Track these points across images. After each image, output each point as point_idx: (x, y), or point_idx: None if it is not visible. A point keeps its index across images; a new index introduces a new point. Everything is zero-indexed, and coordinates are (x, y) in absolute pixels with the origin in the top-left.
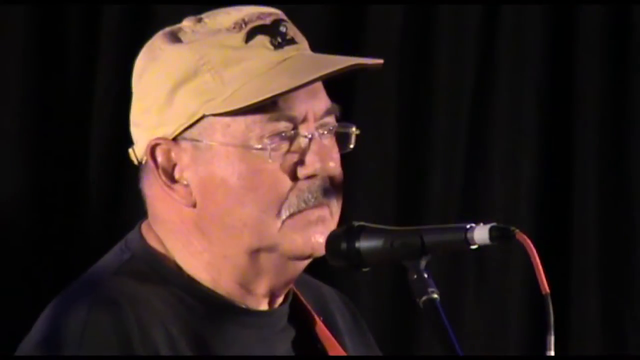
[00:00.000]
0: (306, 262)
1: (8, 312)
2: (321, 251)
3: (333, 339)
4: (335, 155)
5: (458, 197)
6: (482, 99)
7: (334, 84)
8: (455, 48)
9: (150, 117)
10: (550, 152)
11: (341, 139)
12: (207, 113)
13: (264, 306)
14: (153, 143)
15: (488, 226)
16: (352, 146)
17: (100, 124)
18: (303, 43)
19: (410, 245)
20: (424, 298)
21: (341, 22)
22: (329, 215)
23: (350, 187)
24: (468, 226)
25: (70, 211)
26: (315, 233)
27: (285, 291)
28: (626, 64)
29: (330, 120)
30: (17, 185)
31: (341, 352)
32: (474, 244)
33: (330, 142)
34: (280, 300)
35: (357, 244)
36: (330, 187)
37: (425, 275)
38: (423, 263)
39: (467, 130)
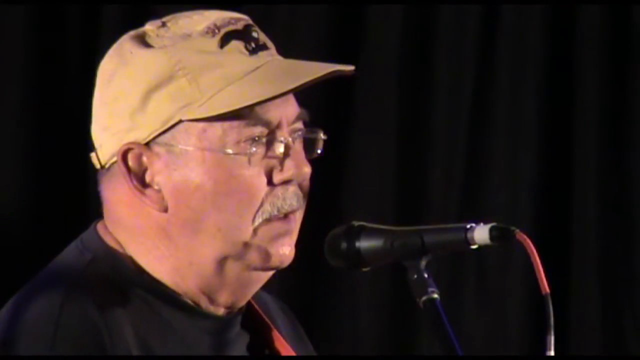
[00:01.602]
0: (270, 274)
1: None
2: (287, 262)
3: (288, 346)
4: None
5: (458, 197)
6: (482, 99)
7: (333, 84)
8: (455, 48)
9: (122, 122)
10: (550, 152)
11: (309, 144)
12: (184, 118)
13: (221, 312)
14: (125, 148)
15: (488, 226)
16: (319, 151)
17: None
18: (273, 48)
19: (410, 245)
20: (424, 298)
21: (341, 22)
22: (296, 225)
23: (351, 187)
24: (468, 226)
25: (70, 211)
26: (283, 245)
27: (245, 301)
28: (626, 63)
29: (300, 125)
30: (16, 186)
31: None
32: (474, 244)
33: (300, 148)
34: (236, 307)
35: (357, 244)
36: (301, 194)
37: (426, 275)
38: (423, 263)
39: (467, 130)
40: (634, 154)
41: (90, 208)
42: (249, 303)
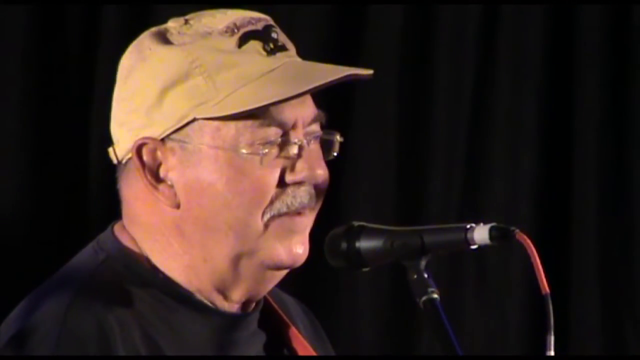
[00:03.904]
0: (284, 272)
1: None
2: (301, 262)
3: (306, 344)
4: (323, 162)
5: (458, 197)
6: (482, 99)
7: (334, 85)
8: (455, 48)
9: (138, 118)
10: (550, 152)
11: (325, 146)
12: (198, 116)
13: (235, 309)
14: (140, 142)
15: (488, 226)
16: (335, 153)
17: (100, 124)
18: (292, 50)
19: (410, 245)
20: (424, 298)
21: (341, 22)
22: (309, 224)
23: (351, 187)
24: (468, 226)
25: (70, 211)
26: (296, 243)
27: (259, 298)
28: (626, 64)
29: (316, 127)
30: (17, 186)
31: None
32: (474, 244)
33: (316, 149)
34: (252, 305)
35: (357, 244)
36: (315, 194)
37: (425, 275)
38: (423, 263)
39: (467, 130)
40: (634, 154)
41: (90, 207)
42: (266, 301)
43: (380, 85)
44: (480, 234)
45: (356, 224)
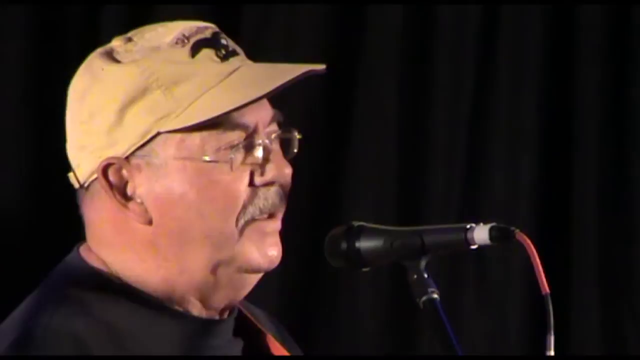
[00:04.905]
0: (260, 275)
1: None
2: (276, 264)
3: (282, 349)
4: (286, 161)
5: (458, 197)
6: (482, 99)
7: (333, 83)
8: (455, 48)
9: (99, 139)
10: (550, 152)
11: (285, 144)
12: (162, 130)
13: (213, 315)
14: (105, 163)
15: (488, 226)
16: (295, 150)
17: None
18: (242, 53)
19: (410, 246)
20: (424, 298)
21: (341, 22)
22: (279, 225)
23: (351, 188)
24: (468, 226)
25: (70, 211)
26: (270, 246)
27: (236, 303)
28: (626, 64)
29: (274, 127)
30: (17, 186)
31: None
32: (474, 244)
33: (277, 149)
34: (227, 313)
35: (357, 244)
36: (283, 194)
37: (425, 276)
38: (423, 263)
39: (467, 130)
40: (634, 154)
41: None
42: (240, 311)
43: (380, 85)
44: (480, 234)
45: (356, 224)
